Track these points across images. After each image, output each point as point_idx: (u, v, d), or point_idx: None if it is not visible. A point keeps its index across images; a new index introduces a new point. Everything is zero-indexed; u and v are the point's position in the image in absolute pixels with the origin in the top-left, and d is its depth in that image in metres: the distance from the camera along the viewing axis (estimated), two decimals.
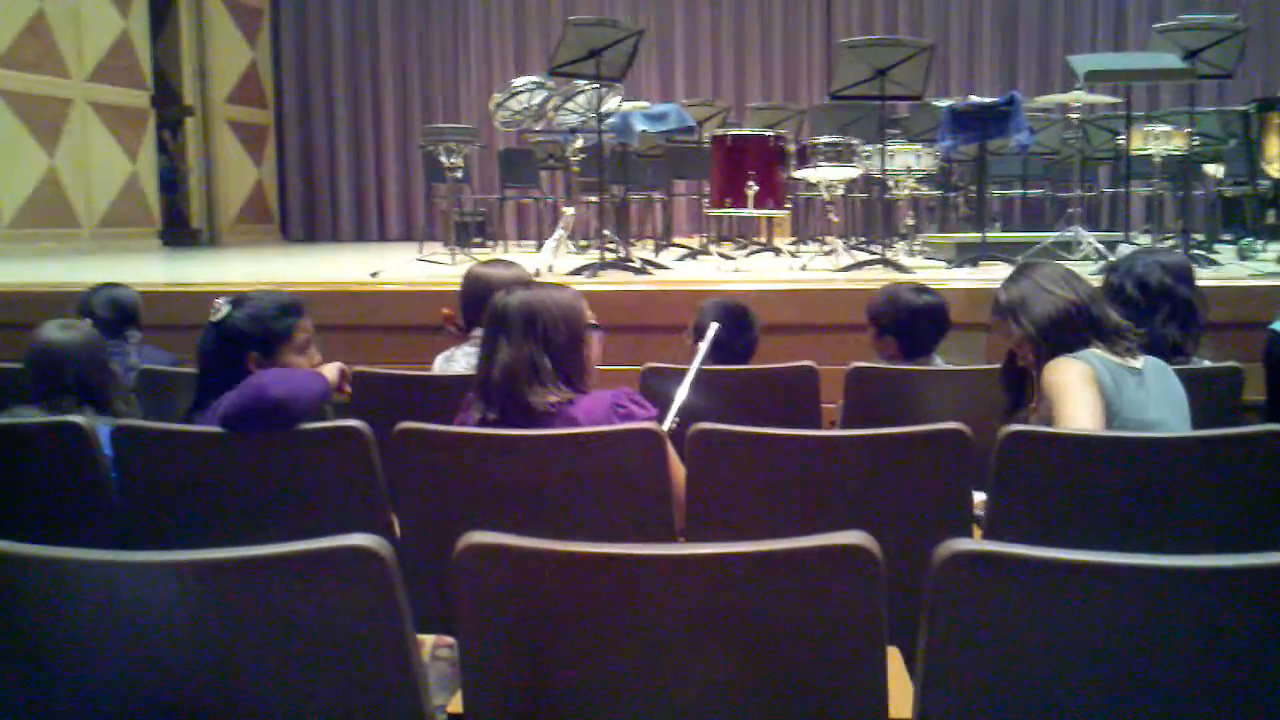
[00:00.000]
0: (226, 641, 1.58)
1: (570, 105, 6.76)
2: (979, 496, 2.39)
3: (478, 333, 3.85)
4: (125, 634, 1.54)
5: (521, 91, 6.79)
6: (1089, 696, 1.49)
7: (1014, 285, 2.92)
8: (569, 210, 6.86)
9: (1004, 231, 8.94)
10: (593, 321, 2.80)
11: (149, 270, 7.35)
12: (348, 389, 2.88)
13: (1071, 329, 2.77)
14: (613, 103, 6.84)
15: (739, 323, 3.63)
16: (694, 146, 8.59)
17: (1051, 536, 2.15)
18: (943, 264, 6.64)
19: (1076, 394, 2.60)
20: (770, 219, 8.06)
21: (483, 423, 2.59)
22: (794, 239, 9.12)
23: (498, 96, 6.98)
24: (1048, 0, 12.96)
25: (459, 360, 3.81)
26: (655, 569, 1.51)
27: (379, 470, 2.40)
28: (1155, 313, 3.15)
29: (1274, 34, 12.62)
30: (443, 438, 2.33)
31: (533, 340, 2.61)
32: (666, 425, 2.70)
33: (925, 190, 8.25)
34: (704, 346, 3.15)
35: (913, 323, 3.60)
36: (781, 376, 3.24)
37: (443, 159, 6.94)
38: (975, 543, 1.37)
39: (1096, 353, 2.72)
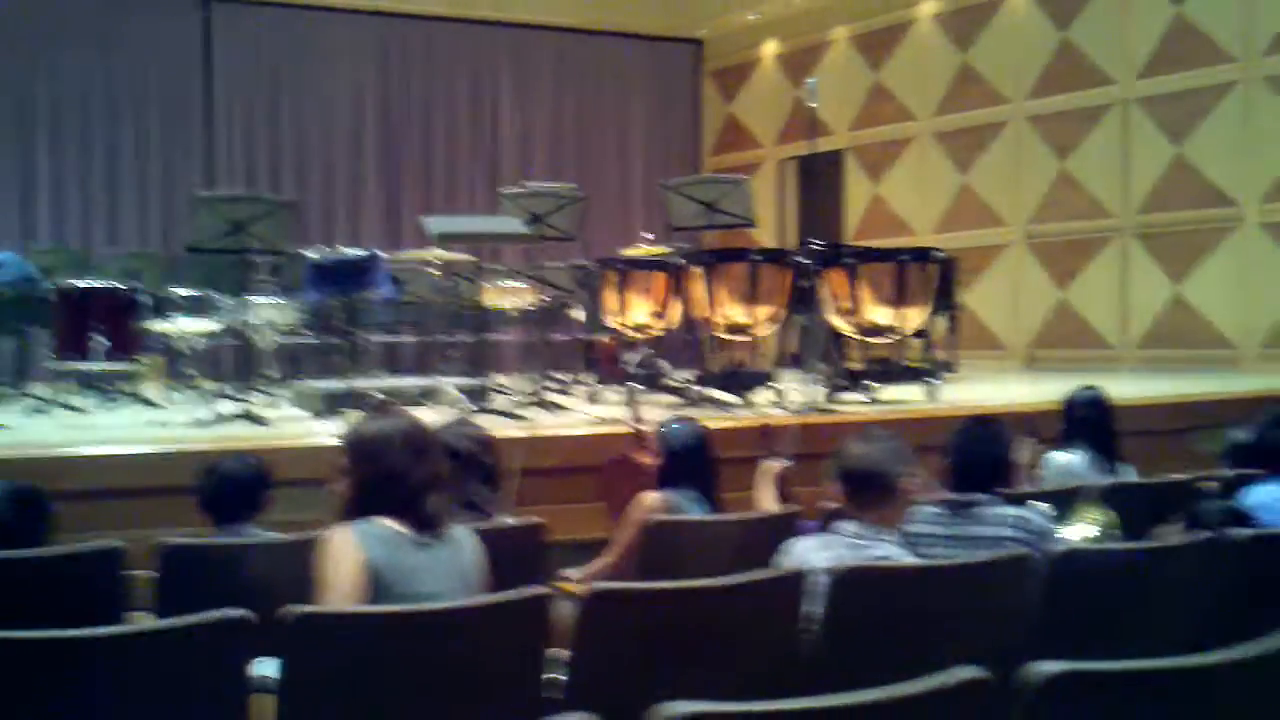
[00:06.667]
0: None
1: None
2: None
3: None
4: None
5: None
6: None
7: (358, 438, 2.79)
8: None
9: (388, 375, 9.10)
10: None
11: None
12: None
13: (379, 498, 2.68)
14: None
15: (28, 510, 3.26)
16: (48, 296, 7.96)
17: None
18: (310, 414, 6.59)
19: (331, 570, 2.57)
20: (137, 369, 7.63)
21: None
22: (167, 386, 8.72)
23: None
24: (428, 160, 13.60)
25: None
26: None
27: None
28: (469, 477, 3.35)
29: (629, 198, 14.15)
30: None
31: None
32: None
33: (296, 339, 8.21)
34: None
35: (221, 492, 3.52)
36: (79, 562, 2.91)
37: None
38: None
39: (382, 523, 2.65)
